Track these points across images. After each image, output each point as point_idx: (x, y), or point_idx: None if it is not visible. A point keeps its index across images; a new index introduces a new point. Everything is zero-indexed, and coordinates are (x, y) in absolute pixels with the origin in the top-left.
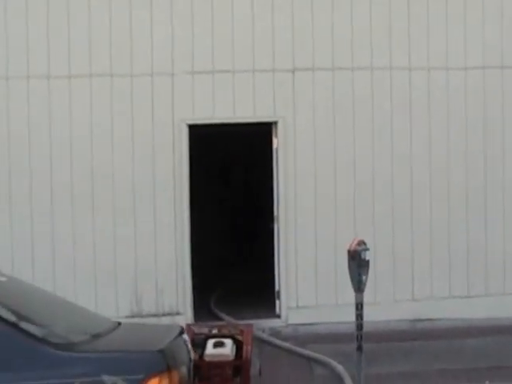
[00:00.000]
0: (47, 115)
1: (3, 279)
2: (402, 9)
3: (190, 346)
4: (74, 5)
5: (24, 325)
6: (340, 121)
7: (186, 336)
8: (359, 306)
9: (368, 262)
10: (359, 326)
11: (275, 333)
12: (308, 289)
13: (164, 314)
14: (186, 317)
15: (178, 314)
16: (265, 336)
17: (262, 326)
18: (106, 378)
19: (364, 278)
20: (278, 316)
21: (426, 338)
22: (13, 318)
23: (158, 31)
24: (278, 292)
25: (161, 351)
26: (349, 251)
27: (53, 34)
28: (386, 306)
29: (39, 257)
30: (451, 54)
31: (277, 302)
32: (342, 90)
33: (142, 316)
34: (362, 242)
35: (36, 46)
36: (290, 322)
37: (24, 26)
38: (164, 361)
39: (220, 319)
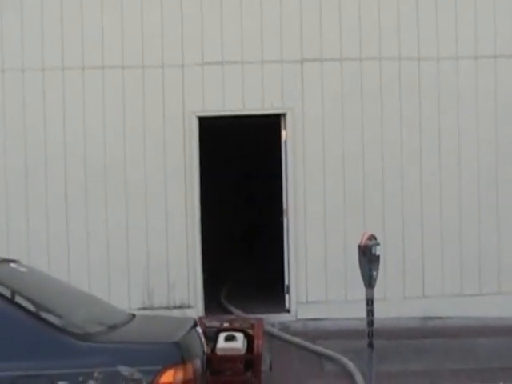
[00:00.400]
0: (61, 108)
1: (24, 270)
2: None
3: (203, 338)
4: None
5: (44, 315)
6: (349, 112)
7: (199, 329)
8: (370, 302)
9: (379, 257)
10: (370, 323)
11: (285, 327)
12: (318, 283)
13: (175, 307)
14: (197, 310)
15: (188, 307)
16: (275, 331)
17: (272, 320)
18: (122, 368)
19: (375, 273)
20: (288, 311)
21: (437, 337)
22: (33, 308)
23: (168, 23)
24: (288, 286)
25: (176, 343)
26: (359, 246)
27: (66, 26)
28: (396, 303)
29: (54, 251)
30: (461, 43)
31: (286, 296)
32: (351, 81)
33: (153, 309)
34: (372, 237)
35: (50, 38)
36: (300, 316)
37: (39, 18)
38: (179, 353)
39: (230, 313)
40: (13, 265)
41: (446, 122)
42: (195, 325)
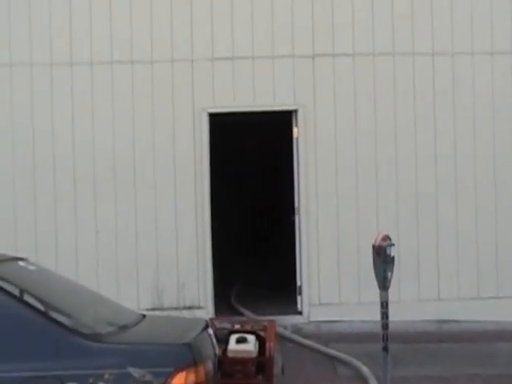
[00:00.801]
0: (69, 104)
1: (32, 268)
2: None
3: (214, 340)
4: None
5: (53, 314)
6: (361, 109)
7: (211, 330)
8: (384, 305)
9: (393, 258)
10: (385, 326)
11: (297, 330)
12: (330, 285)
13: (185, 308)
14: (207, 311)
15: (199, 307)
16: (287, 333)
17: (284, 322)
18: (132, 370)
19: (389, 274)
20: (300, 312)
21: (454, 341)
22: (42, 308)
23: (178, 18)
24: (300, 287)
25: (187, 345)
26: (373, 246)
27: (74, 20)
28: (411, 306)
29: (62, 249)
30: (476, 38)
31: (298, 297)
32: (364, 77)
33: (163, 309)
34: (387, 237)
35: (58, 33)
36: (312, 318)
37: (47, 11)
38: (191, 354)
39: (240, 314)
40: (21, 263)
41: (462, 119)
42: (207, 326)
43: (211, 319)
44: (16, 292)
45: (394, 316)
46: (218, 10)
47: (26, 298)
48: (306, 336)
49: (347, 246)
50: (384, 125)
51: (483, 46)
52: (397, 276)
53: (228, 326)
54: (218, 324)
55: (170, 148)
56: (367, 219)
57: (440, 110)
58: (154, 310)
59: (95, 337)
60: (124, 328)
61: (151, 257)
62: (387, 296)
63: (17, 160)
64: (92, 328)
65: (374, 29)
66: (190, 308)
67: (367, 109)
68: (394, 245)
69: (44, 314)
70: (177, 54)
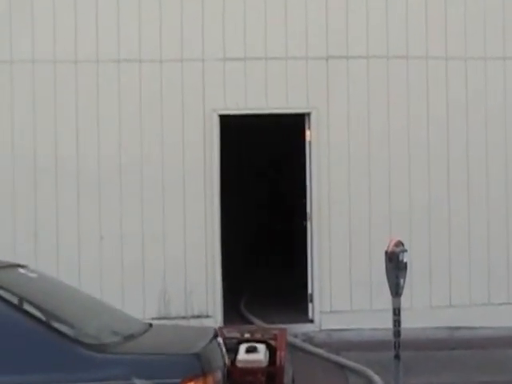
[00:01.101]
0: (73, 104)
1: (33, 276)
2: None
3: (224, 349)
4: None
5: (55, 324)
6: (375, 112)
7: (220, 339)
8: (397, 312)
9: (406, 264)
10: (397, 333)
11: (308, 338)
12: (342, 292)
13: (193, 317)
14: (216, 319)
15: (207, 316)
16: (298, 342)
17: (294, 330)
18: (138, 381)
19: (402, 281)
20: (311, 321)
21: (465, 348)
22: (43, 317)
23: (188, 15)
24: (311, 295)
25: (196, 354)
26: (386, 252)
27: (80, 17)
28: (423, 313)
29: (64, 254)
30: (489, 43)
31: (309, 305)
32: (378, 80)
33: (169, 318)
34: (400, 243)
35: (62, 31)
36: (324, 327)
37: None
38: (199, 365)
39: (250, 322)
40: (21, 270)
41: (475, 123)
42: (216, 335)
43: (220, 328)
44: (15, 300)
45: (406, 323)
46: (230, 8)
47: (26, 306)
48: (317, 344)
49: (359, 252)
50: (397, 128)
51: (496, 51)
52: (409, 283)
53: (237, 335)
54: (226, 333)
55: (179, 150)
56: (380, 225)
57: (453, 113)
58: (160, 318)
59: (99, 347)
60: (129, 338)
61: (158, 263)
62: (400, 303)
63: (16, 161)
64: (96, 338)
65: (388, 31)
66: (198, 317)
67: (381, 112)
68: (406, 251)
69: (45, 324)
70: (187, 54)
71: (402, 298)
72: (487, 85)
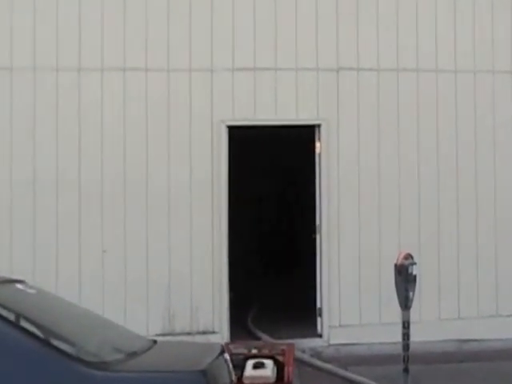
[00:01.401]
0: (75, 112)
1: (32, 292)
2: (448, 10)
3: (231, 366)
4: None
5: (55, 342)
6: (385, 124)
7: (227, 355)
8: (406, 325)
9: (415, 277)
10: (406, 347)
11: (316, 353)
12: (351, 306)
13: (198, 333)
14: (222, 335)
15: (213, 332)
16: (306, 357)
17: (302, 345)
18: None
19: (411, 294)
20: (320, 335)
21: (474, 360)
22: (43, 335)
23: (197, 24)
24: (320, 309)
25: (202, 371)
26: (395, 265)
27: (85, 25)
28: (432, 326)
29: (64, 267)
30: (496, 57)
31: (318, 319)
32: (388, 92)
33: (174, 334)
34: (409, 256)
35: (65, 38)
36: (332, 341)
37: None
38: (205, 381)
39: (257, 338)
40: (19, 285)
41: (483, 134)
42: (222, 351)
43: (226, 344)
44: (13, 317)
45: (415, 336)
46: (240, 18)
47: (24, 323)
48: (325, 359)
49: (368, 265)
50: (407, 141)
51: (505, 65)
52: (418, 296)
53: (244, 350)
54: (233, 349)
55: (185, 162)
56: (389, 238)
57: (462, 124)
58: (164, 335)
59: (100, 365)
60: (132, 355)
61: (163, 278)
62: (409, 316)
63: (14, 172)
64: (97, 355)
65: (398, 44)
66: (203, 333)
67: (391, 124)
68: (415, 263)
69: (43, 341)
70: (195, 63)
71: (412, 311)
72: (495, 97)
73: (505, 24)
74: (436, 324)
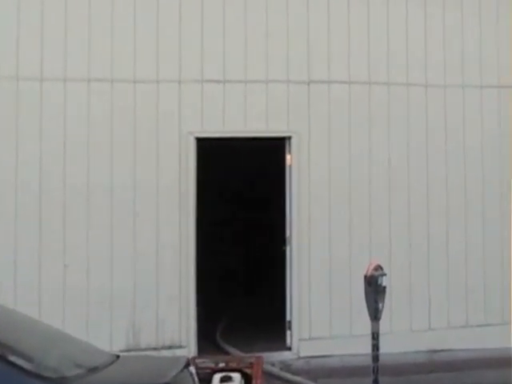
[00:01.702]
0: (37, 121)
1: None
2: (419, 24)
3: (196, 379)
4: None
5: (12, 357)
6: (355, 137)
7: (192, 369)
8: (375, 336)
9: (385, 288)
10: (375, 358)
11: (285, 366)
12: (322, 318)
13: (164, 347)
14: (189, 350)
15: (180, 346)
16: (275, 370)
17: (272, 359)
18: None
19: (381, 305)
20: (289, 348)
21: (444, 370)
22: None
23: (164, 34)
24: (290, 322)
25: None
26: (365, 276)
27: (47, 34)
28: (403, 337)
29: (23, 278)
30: (466, 72)
31: (288, 332)
32: (359, 105)
33: (139, 349)
34: (378, 267)
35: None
36: (302, 354)
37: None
38: None
39: (226, 353)
40: None
41: (452, 146)
42: (188, 364)
43: (193, 358)
44: None
45: (386, 348)
46: (209, 29)
47: None
48: (294, 372)
49: (339, 276)
50: (378, 153)
51: (473, 79)
52: (389, 307)
53: (211, 364)
54: (200, 363)
55: (152, 173)
56: (360, 249)
57: (432, 137)
58: (129, 351)
59: (60, 380)
60: (94, 370)
61: (127, 290)
62: (378, 327)
63: None
64: (56, 371)
65: (369, 57)
66: (170, 347)
67: (361, 137)
68: (385, 274)
69: (1, 358)
70: (163, 74)
71: (382, 323)
72: (465, 110)
73: (474, 38)
74: (407, 335)
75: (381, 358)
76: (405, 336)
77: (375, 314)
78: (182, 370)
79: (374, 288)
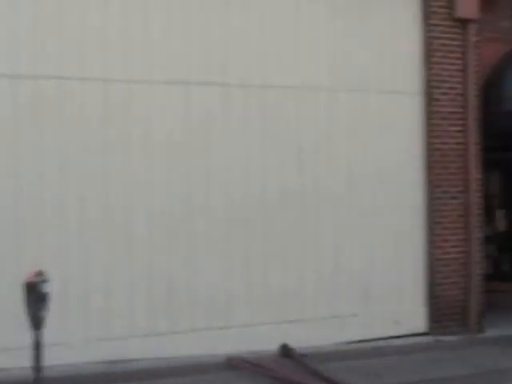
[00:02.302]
0: None
1: None
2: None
3: None
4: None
5: None
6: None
7: None
8: (37, 346)
9: (47, 294)
10: (38, 369)
11: None
12: None
13: None
14: None
15: None
16: None
17: None
18: None
19: (43, 313)
20: None
21: (124, 381)
22: None
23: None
24: None
25: None
26: (25, 284)
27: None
28: (79, 347)
29: None
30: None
31: None
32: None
33: None
34: (40, 273)
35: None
36: None
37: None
38: None
39: None
40: None
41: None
42: None
43: None
44: None
45: (60, 359)
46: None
47: None
48: None
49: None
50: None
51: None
52: (64, 316)
53: None
54: None
55: None
56: (29, 254)
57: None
58: None
59: None
60: None
61: None
62: (41, 336)
63: None
64: None
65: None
66: None
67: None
68: (48, 281)
69: None
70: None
71: (56, 332)
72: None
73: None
74: (83, 345)
75: (53, 370)
76: (81, 346)
77: (36, 323)
78: None
79: (36, 295)
